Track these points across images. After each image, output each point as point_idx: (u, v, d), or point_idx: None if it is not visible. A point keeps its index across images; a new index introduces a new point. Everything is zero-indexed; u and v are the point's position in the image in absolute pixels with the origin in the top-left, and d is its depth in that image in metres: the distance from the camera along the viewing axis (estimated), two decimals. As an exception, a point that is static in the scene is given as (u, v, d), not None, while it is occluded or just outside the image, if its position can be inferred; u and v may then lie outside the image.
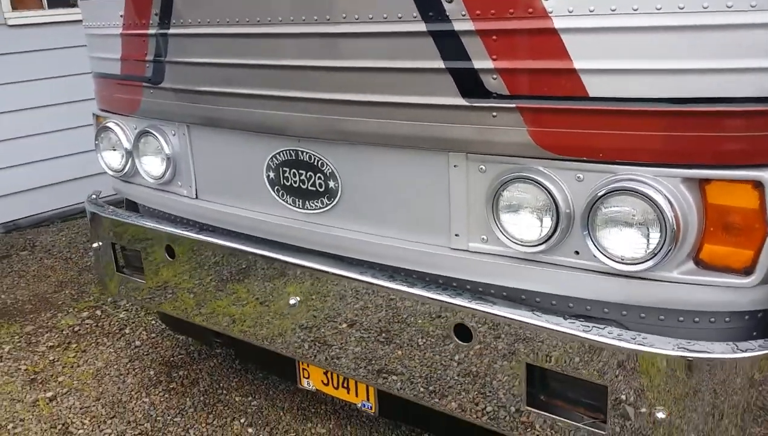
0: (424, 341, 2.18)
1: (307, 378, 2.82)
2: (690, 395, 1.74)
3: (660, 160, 1.72)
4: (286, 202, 2.52)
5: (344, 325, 2.37)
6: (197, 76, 2.56)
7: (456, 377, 2.14)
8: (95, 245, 3.29)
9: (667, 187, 1.72)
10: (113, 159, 3.11)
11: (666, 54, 1.66)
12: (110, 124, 3.04)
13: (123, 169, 3.07)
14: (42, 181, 6.19)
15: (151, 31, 2.66)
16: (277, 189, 2.53)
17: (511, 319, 1.97)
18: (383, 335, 2.28)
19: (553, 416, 1.98)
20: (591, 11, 1.69)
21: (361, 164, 2.26)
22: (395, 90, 2.04)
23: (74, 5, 5.91)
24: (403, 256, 2.24)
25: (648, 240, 1.75)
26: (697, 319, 1.88)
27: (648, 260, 1.76)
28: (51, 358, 3.99)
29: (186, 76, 2.61)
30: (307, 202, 2.46)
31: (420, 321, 2.17)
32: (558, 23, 1.73)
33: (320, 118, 2.23)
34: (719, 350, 1.71)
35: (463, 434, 2.47)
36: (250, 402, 3.43)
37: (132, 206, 3.34)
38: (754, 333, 1.87)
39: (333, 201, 2.38)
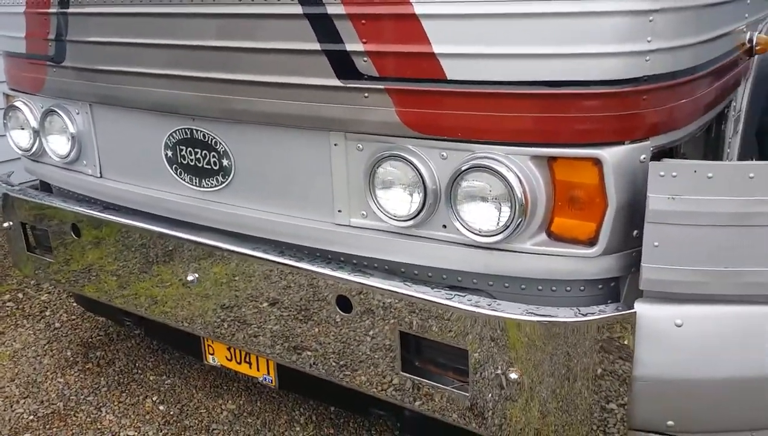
0: (310, 313, 2.27)
1: (212, 354, 2.89)
2: (538, 357, 1.88)
3: (511, 139, 1.85)
4: (184, 180, 2.58)
5: (240, 300, 2.45)
6: (96, 54, 2.60)
7: (338, 347, 2.25)
8: (6, 224, 3.30)
9: (517, 165, 1.85)
10: (21, 138, 3.11)
11: (515, 40, 1.78)
12: (17, 103, 3.05)
13: (31, 148, 3.08)
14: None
15: (52, 9, 2.68)
16: (175, 167, 2.59)
17: (383, 289, 2.08)
18: (274, 308, 2.37)
19: (425, 381, 2.10)
20: (448, -2, 1.80)
21: (251, 143, 2.34)
22: (278, 70, 2.13)
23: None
24: (293, 232, 2.33)
25: (500, 213, 1.88)
26: (554, 288, 2.02)
27: (501, 232, 1.89)
28: (-32, 340, 3.97)
29: (86, 55, 2.65)
30: (203, 180, 2.53)
31: (305, 294, 2.26)
32: (418, 9, 1.84)
33: (211, 97, 2.30)
34: (563, 315, 1.85)
35: (354, 402, 2.59)
36: (164, 381, 3.49)
37: (46, 187, 3.36)
38: (609, 301, 2.02)
39: (227, 179, 2.46)
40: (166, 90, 2.41)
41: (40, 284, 4.62)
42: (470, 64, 1.83)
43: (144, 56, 2.44)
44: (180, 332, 2.81)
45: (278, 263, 2.31)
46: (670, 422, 1.97)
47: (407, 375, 2.13)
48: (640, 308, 1.84)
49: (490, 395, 1.97)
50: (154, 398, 3.34)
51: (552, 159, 1.85)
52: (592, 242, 1.87)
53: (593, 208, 1.84)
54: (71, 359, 3.73)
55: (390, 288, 2.06)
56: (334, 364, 2.28)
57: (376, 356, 2.17)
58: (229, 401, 3.30)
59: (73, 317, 4.20)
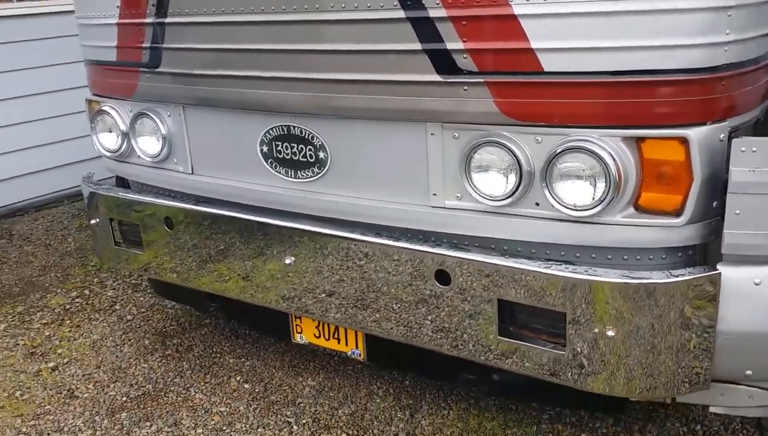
0: (409, 287, 2.51)
1: (300, 333, 3.13)
2: (633, 316, 2.11)
3: (604, 122, 2.08)
4: (279, 173, 2.81)
5: (337, 279, 2.68)
6: (194, 60, 2.82)
7: (438, 317, 2.48)
8: (93, 221, 3.53)
9: (610, 145, 2.08)
10: (109, 140, 3.34)
11: (607, 34, 2.01)
12: (106, 108, 3.27)
13: (119, 149, 3.31)
14: (12, 173, 6.29)
15: (148, 20, 2.90)
16: (270, 161, 2.82)
17: (483, 262, 2.31)
18: (373, 285, 2.60)
19: (522, 343, 2.34)
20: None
21: (349, 136, 2.57)
22: (379, 69, 2.35)
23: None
24: (388, 215, 2.56)
25: (595, 189, 2.11)
26: (638, 257, 2.26)
27: (595, 206, 2.12)
28: (47, 333, 4.20)
29: (183, 61, 2.87)
30: (298, 172, 2.75)
31: (404, 270, 2.50)
32: (517, 10, 2.07)
33: (313, 96, 2.52)
34: (656, 277, 2.08)
35: (442, 371, 2.82)
36: (244, 363, 3.72)
37: (121, 185, 3.59)
38: (687, 267, 2.25)
39: (323, 170, 2.69)
40: (267, 91, 2.64)
41: (104, 282, 4.86)
42: (566, 57, 2.06)
43: (245, 60, 2.66)
44: (266, 314, 3.05)
45: (378, 243, 2.53)
46: (748, 372, 2.21)
47: (506, 339, 2.36)
48: (723, 269, 2.08)
49: (586, 351, 2.21)
50: (237, 378, 3.58)
51: (641, 139, 2.08)
52: (678, 213, 2.10)
53: (680, 183, 2.07)
54: (150, 347, 3.96)
55: (491, 261, 2.29)
56: (433, 334, 2.51)
57: (474, 324, 2.40)
58: (309, 378, 3.53)
59: (143, 309, 4.43)
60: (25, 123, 6.29)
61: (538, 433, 3.03)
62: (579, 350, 2.22)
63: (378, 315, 2.63)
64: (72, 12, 3.37)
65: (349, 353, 3.00)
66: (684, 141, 2.02)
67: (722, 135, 2.07)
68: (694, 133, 2.01)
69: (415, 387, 3.39)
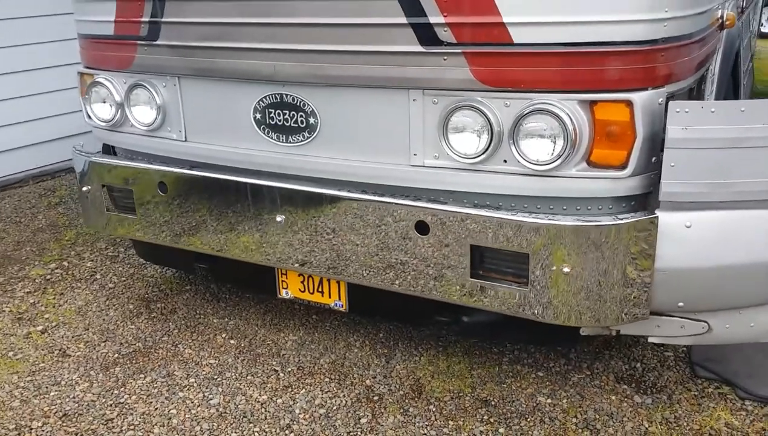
0: (392, 238, 2.82)
1: (286, 288, 3.42)
2: (586, 253, 2.48)
3: (563, 87, 2.44)
4: (271, 138, 3.09)
5: (325, 233, 2.98)
6: (192, 33, 3.07)
7: (417, 264, 2.81)
8: (84, 188, 3.73)
9: (568, 108, 2.44)
10: (103, 111, 3.56)
11: (566, 10, 2.37)
12: (100, 79, 3.49)
13: (112, 119, 3.53)
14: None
15: (148, -5, 3.15)
16: (263, 127, 3.10)
17: (458, 212, 2.65)
18: (359, 237, 2.91)
19: (492, 283, 2.69)
20: (515, -19, 2.38)
21: (337, 103, 2.87)
22: (367, 41, 2.67)
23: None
24: (373, 174, 2.88)
25: (554, 146, 2.47)
26: (590, 207, 2.63)
27: (555, 160, 2.48)
28: (31, 301, 4.37)
29: (181, 34, 3.12)
30: (290, 136, 3.04)
31: (388, 223, 2.81)
32: (491, -11, 2.41)
33: (305, 65, 2.82)
34: (605, 220, 2.46)
35: (418, 315, 3.16)
36: (227, 322, 3.98)
37: (108, 153, 3.80)
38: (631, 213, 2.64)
39: (313, 135, 2.98)
40: (261, 61, 2.92)
41: (81, 254, 5.03)
42: (532, 30, 2.42)
43: (241, 33, 2.94)
44: (254, 272, 3.32)
45: (364, 199, 2.85)
46: (680, 303, 2.61)
47: (477, 281, 2.71)
48: (660, 214, 2.47)
49: (546, 286, 2.57)
50: (223, 335, 3.84)
51: (593, 102, 2.45)
52: (623, 166, 2.48)
53: (625, 140, 2.44)
54: (135, 311, 4.18)
55: (465, 211, 2.63)
56: (412, 280, 2.84)
57: (449, 268, 2.74)
58: (291, 334, 3.82)
59: (123, 278, 4.63)
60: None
61: (500, 373, 3.40)
62: (540, 286, 2.58)
63: (363, 264, 2.94)
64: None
65: (332, 304, 3.31)
66: (629, 103, 2.40)
67: (661, 99, 2.45)
68: (637, 97, 2.39)
69: (388, 338, 3.71)
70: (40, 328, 4.02)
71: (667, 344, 3.09)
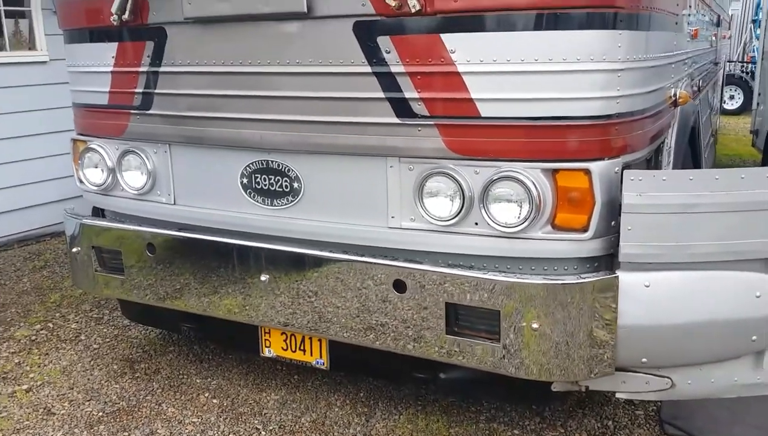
0: (371, 296, 2.97)
1: (269, 347, 3.52)
2: (552, 310, 2.64)
3: (527, 157, 2.65)
4: (257, 201, 3.26)
5: (308, 292, 3.12)
6: (183, 103, 3.28)
7: (394, 321, 2.95)
8: (74, 250, 3.85)
9: (532, 175, 2.65)
10: (95, 175, 3.73)
11: (529, 88, 2.60)
12: (93, 146, 3.67)
13: (104, 183, 3.69)
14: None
15: (143, 69, 3.36)
16: (249, 191, 3.27)
17: (433, 272, 2.81)
18: (339, 296, 3.05)
19: (466, 339, 2.82)
20: (481, 61, 2.61)
21: (320, 169, 3.06)
22: (348, 112, 2.88)
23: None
24: (353, 235, 3.05)
25: (521, 210, 2.66)
26: (555, 267, 2.80)
27: (522, 223, 2.67)
28: (16, 361, 4.42)
29: (173, 104, 3.32)
30: (274, 200, 3.22)
31: (367, 282, 2.96)
32: (461, 68, 2.64)
33: (290, 134, 3.02)
34: (569, 279, 2.63)
35: (397, 373, 3.27)
36: (210, 382, 4.05)
37: (97, 216, 3.95)
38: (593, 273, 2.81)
39: (297, 198, 3.16)
40: (249, 130, 3.12)
41: (66, 316, 5.10)
42: (498, 105, 2.64)
43: (230, 104, 3.15)
44: (238, 331, 3.44)
45: (345, 259, 3.00)
46: (644, 359, 2.75)
47: (452, 337, 2.85)
48: (621, 274, 2.64)
49: (516, 342, 2.71)
50: (206, 395, 3.91)
51: (555, 171, 2.66)
52: (585, 230, 2.67)
53: (585, 205, 2.64)
54: (119, 371, 4.24)
55: (440, 270, 2.79)
56: (392, 336, 2.97)
57: (426, 325, 2.88)
58: (272, 393, 3.89)
59: (108, 339, 4.70)
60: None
61: (477, 431, 3.49)
62: (510, 342, 2.72)
63: (344, 322, 3.07)
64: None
65: (314, 362, 3.41)
66: (587, 172, 2.61)
67: (617, 168, 2.66)
68: (595, 166, 2.60)
69: (368, 397, 3.80)
70: (25, 387, 4.07)
71: (636, 401, 3.21)
